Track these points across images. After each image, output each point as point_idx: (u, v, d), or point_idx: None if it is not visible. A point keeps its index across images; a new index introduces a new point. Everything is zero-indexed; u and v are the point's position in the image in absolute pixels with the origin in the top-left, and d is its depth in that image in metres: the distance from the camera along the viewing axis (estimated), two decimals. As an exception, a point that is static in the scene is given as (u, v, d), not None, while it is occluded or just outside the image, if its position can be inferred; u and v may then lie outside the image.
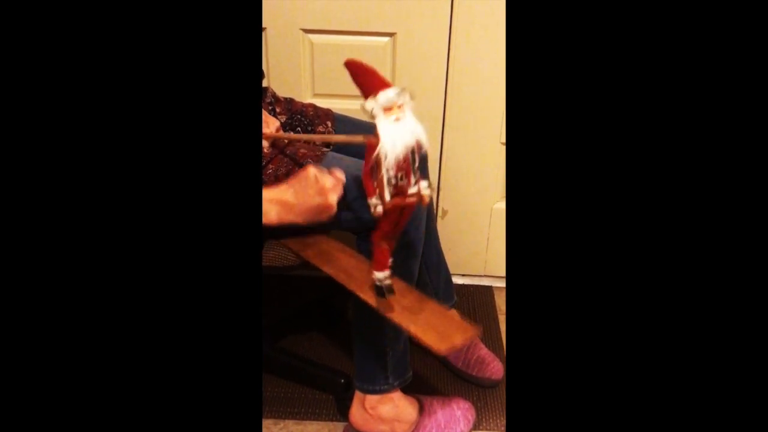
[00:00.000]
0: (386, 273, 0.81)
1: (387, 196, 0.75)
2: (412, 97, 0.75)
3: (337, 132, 1.07)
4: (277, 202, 0.85)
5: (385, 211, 0.76)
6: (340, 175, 0.85)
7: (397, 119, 0.73)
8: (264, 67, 1.32)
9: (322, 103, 1.16)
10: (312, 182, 0.83)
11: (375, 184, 0.76)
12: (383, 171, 0.74)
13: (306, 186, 0.84)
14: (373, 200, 0.76)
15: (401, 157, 0.73)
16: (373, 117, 0.74)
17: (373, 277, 0.82)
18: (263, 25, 1.29)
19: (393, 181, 0.75)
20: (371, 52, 1.32)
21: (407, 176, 0.76)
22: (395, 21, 1.28)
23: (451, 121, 1.37)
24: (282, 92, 1.12)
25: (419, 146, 0.75)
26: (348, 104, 1.27)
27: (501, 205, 1.47)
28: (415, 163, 0.76)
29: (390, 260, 0.81)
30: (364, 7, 1.27)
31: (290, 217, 0.85)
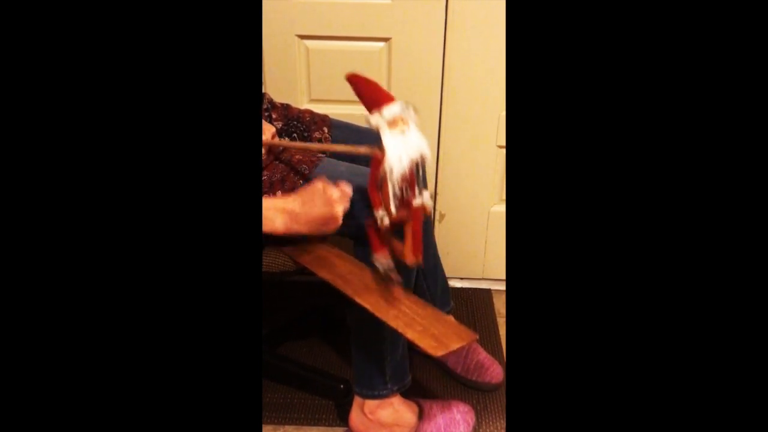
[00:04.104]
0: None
1: (393, 209, 0.77)
2: (415, 111, 0.76)
3: (334, 138, 1.08)
4: (284, 211, 0.86)
5: (392, 223, 0.78)
6: (348, 188, 0.86)
7: (402, 133, 0.74)
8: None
9: (319, 108, 1.16)
10: (320, 193, 0.84)
11: (381, 196, 0.77)
12: (389, 185, 0.75)
13: (313, 196, 0.85)
14: (380, 212, 0.78)
15: (407, 170, 0.74)
16: (377, 131, 0.74)
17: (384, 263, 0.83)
18: (259, 32, 1.30)
19: (399, 194, 0.76)
20: (367, 57, 1.32)
21: (412, 188, 0.78)
22: (390, 26, 1.28)
23: (448, 125, 1.38)
24: (278, 98, 1.12)
25: (423, 159, 0.76)
26: (345, 109, 1.27)
27: (498, 208, 1.47)
28: (419, 175, 0.78)
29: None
30: (359, 12, 1.27)
31: (296, 227, 0.86)
